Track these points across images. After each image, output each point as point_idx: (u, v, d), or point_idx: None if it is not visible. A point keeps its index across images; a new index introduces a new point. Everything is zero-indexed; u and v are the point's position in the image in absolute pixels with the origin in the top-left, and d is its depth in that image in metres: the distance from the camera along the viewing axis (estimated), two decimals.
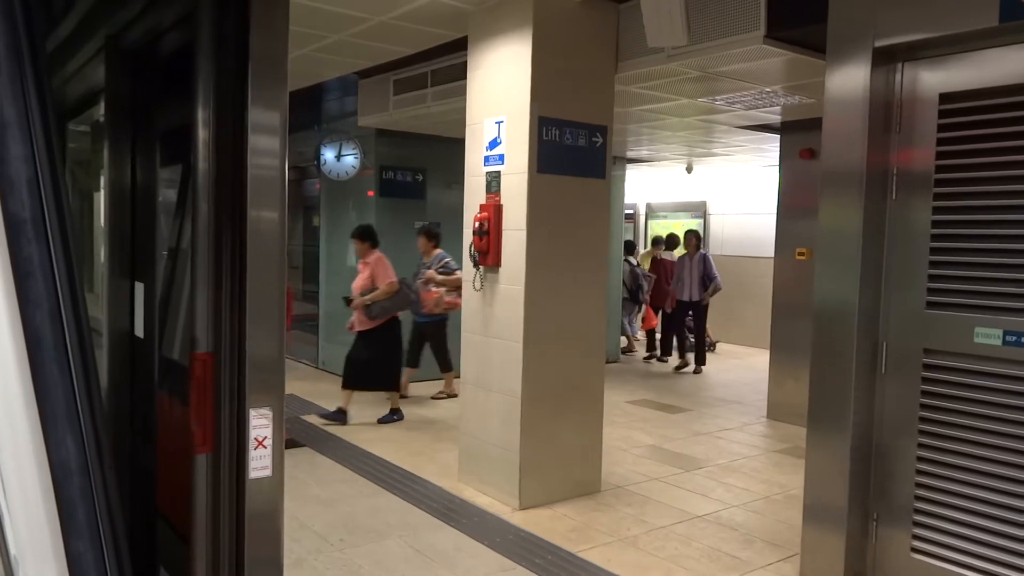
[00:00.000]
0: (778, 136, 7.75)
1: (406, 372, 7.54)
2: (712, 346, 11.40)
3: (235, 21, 1.85)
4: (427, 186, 8.81)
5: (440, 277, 7.31)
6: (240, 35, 1.83)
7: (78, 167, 3.88)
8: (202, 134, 1.88)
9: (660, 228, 14.25)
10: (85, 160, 3.74)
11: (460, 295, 5.74)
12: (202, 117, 1.88)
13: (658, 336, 11.07)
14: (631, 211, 14.06)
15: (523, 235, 4.72)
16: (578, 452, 5.09)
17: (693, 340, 10.18)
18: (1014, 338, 3.27)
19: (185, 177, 2.27)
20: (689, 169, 12.38)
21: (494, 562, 4.04)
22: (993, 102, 3.33)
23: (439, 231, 7.66)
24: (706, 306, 10.00)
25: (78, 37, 2.80)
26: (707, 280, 9.88)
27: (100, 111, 2.78)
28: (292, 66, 5.04)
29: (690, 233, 10.22)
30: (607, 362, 6.03)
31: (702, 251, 10.10)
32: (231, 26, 1.86)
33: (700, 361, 10.06)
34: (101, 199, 2.84)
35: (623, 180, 11.05)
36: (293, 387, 8.08)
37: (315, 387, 8.35)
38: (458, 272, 6.86)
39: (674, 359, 10.46)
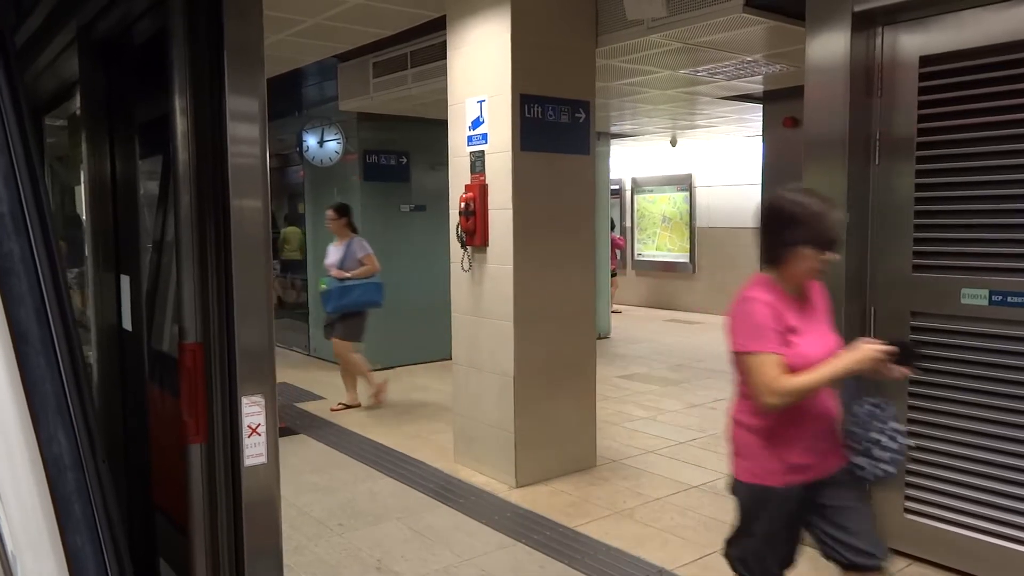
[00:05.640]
0: (760, 106, 7.74)
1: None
2: None
3: (208, 7, 1.82)
4: (411, 169, 8.76)
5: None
6: (214, 21, 1.80)
7: (57, 162, 3.83)
8: (180, 124, 1.86)
9: (646, 203, 14.23)
10: (64, 155, 3.69)
11: None
12: (179, 106, 1.86)
13: None
14: (617, 187, 14.03)
15: (509, 214, 4.71)
16: (572, 428, 5.11)
17: None
18: (1000, 298, 3.30)
19: (165, 168, 2.25)
20: (673, 142, 12.35)
21: (493, 540, 4.07)
22: (972, 63, 3.33)
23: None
24: None
25: (49, 29, 2.76)
26: None
27: (76, 104, 2.75)
28: (269, 51, 4.97)
29: None
30: (598, 338, 6.03)
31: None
32: (204, 12, 1.83)
33: None
34: (81, 193, 2.81)
35: (608, 156, 11.01)
36: (285, 375, 8.06)
37: (307, 375, 8.34)
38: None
39: None
